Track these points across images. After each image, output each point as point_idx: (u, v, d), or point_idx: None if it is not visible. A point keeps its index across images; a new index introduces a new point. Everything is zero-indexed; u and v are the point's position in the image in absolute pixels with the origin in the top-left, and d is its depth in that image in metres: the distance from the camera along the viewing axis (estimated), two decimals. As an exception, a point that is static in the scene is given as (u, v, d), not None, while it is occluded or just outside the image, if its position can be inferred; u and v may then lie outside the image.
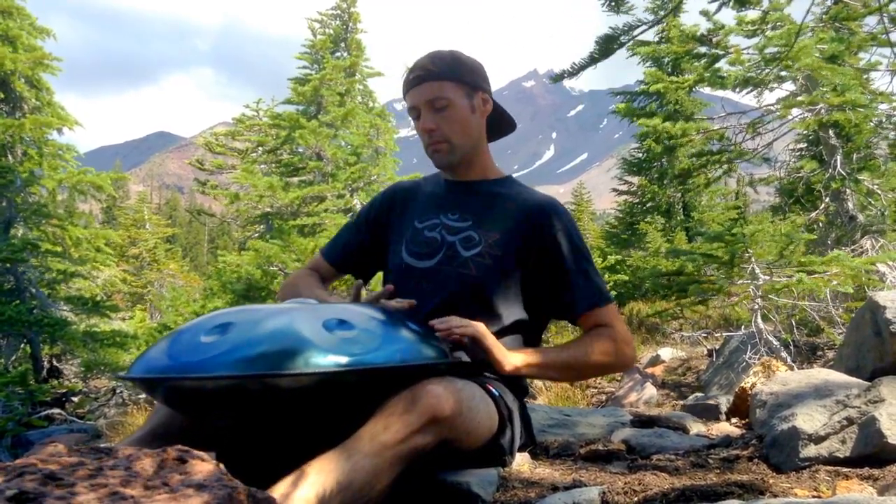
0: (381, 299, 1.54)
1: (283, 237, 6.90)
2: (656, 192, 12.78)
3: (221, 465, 0.83)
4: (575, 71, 2.23)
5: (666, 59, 11.59)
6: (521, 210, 1.66)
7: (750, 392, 2.43)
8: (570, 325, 1.75)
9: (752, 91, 6.57)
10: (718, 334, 6.57)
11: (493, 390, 1.48)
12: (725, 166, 7.81)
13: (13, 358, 7.89)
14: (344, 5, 14.36)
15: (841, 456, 1.52)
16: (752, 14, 6.48)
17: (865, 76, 6.74)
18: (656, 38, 12.35)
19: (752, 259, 5.21)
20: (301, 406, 1.16)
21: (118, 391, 7.69)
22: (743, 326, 5.68)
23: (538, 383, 5.86)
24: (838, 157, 6.67)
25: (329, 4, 15.24)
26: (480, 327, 1.47)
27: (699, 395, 4.51)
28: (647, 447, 1.87)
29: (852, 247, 6.46)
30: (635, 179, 13.89)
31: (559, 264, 1.62)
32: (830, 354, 5.04)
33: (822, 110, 6.21)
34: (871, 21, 6.24)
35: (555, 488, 1.39)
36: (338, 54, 14.29)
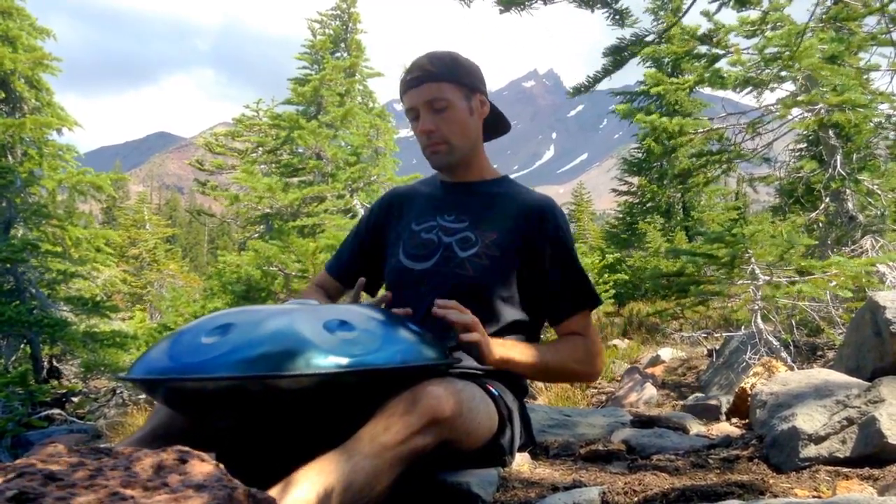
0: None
1: (283, 238, 6.89)
2: (656, 192, 12.79)
3: (221, 466, 0.83)
4: (590, 84, 2.27)
5: (666, 60, 11.59)
6: (518, 210, 1.66)
7: (750, 392, 2.43)
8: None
9: (752, 91, 6.57)
10: (718, 334, 6.57)
11: (493, 390, 1.48)
12: (725, 166, 7.81)
13: (13, 358, 7.89)
14: (344, 6, 14.36)
15: (841, 456, 1.52)
16: (753, 14, 6.48)
17: (865, 76, 6.74)
18: (658, 39, 12.34)
19: (753, 259, 5.21)
20: (302, 407, 1.16)
21: (118, 391, 7.69)
22: (743, 327, 5.68)
23: (538, 383, 5.86)
24: (838, 157, 6.68)
25: (329, 5, 15.27)
26: (479, 326, 1.47)
27: (699, 395, 4.51)
28: (647, 447, 1.87)
29: (852, 247, 6.46)
30: (635, 179, 13.92)
31: (550, 266, 1.62)
32: (830, 354, 5.04)
33: (822, 110, 6.21)
34: (872, 21, 6.25)
35: (555, 488, 1.39)
36: (338, 55, 14.29)
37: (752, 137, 6.95)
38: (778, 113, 6.66)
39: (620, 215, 14.18)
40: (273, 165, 12.62)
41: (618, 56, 2.14)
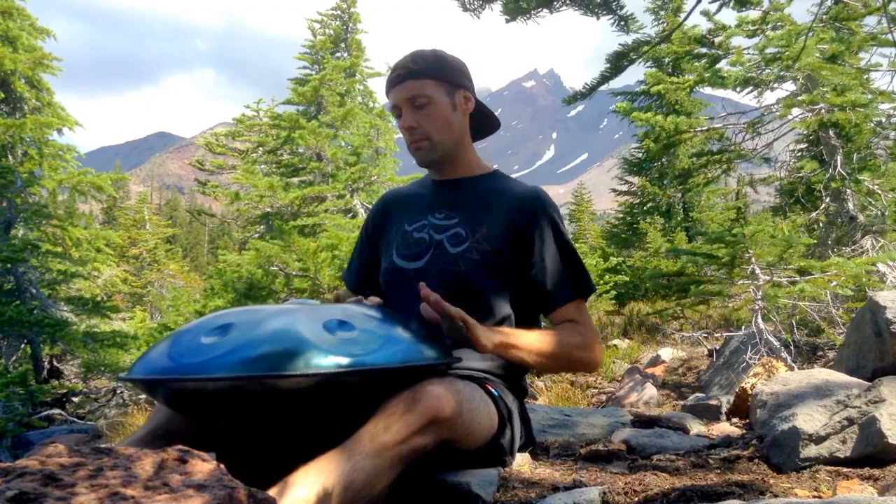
0: None
1: (284, 237, 6.89)
2: (656, 192, 12.78)
3: (222, 466, 0.83)
4: (587, 91, 2.26)
5: (666, 60, 11.59)
6: (507, 203, 1.66)
7: (750, 392, 2.43)
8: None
9: (752, 91, 6.56)
10: (719, 334, 6.56)
11: (493, 391, 1.48)
12: (725, 166, 7.80)
13: (13, 358, 7.88)
14: (344, 6, 14.37)
15: (841, 456, 1.52)
16: (753, 14, 6.48)
17: (866, 76, 6.74)
18: (657, 41, 12.34)
19: (753, 259, 5.21)
20: (302, 407, 1.16)
21: (118, 392, 7.69)
22: (743, 327, 5.68)
23: (539, 383, 5.86)
24: (838, 157, 6.67)
25: (329, 5, 15.27)
26: (463, 312, 1.43)
27: (699, 395, 4.50)
28: (648, 447, 1.87)
29: (852, 247, 6.46)
30: (635, 179, 13.91)
31: (542, 255, 1.62)
32: (831, 354, 5.04)
33: (823, 110, 6.20)
34: (872, 21, 6.25)
35: (555, 488, 1.39)
36: (338, 55, 14.30)
37: (752, 137, 6.94)
38: (778, 113, 6.65)
39: (621, 215, 14.17)
40: (273, 165, 12.63)
41: (619, 62, 2.14)
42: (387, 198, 1.89)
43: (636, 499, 1.29)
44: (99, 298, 8.82)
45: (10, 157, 8.69)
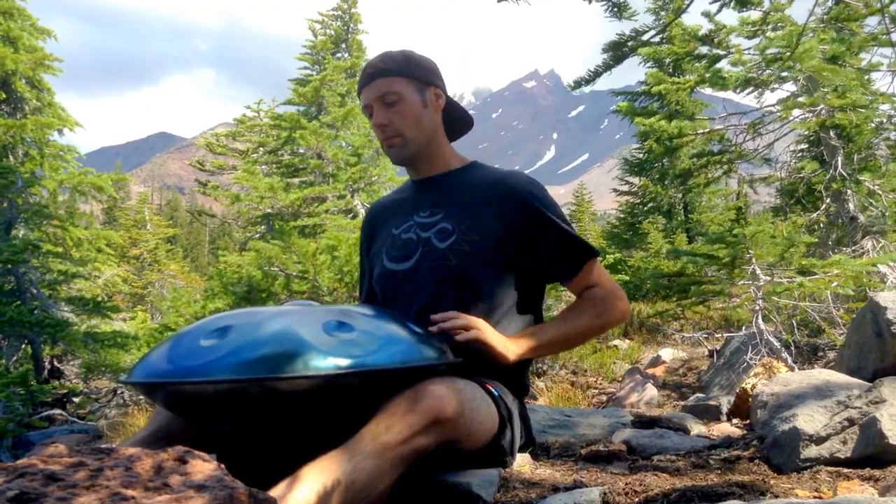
0: None
1: (284, 238, 6.89)
2: (657, 192, 12.78)
3: (222, 466, 0.84)
4: (591, 78, 2.27)
5: (667, 60, 11.58)
6: (489, 189, 1.67)
7: (751, 393, 2.43)
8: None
9: (752, 92, 6.56)
10: (719, 335, 6.56)
11: (493, 391, 1.48)
12: (726, 167, 7.80)
13: (14, 359, 7.89)
14: (345, 6, 14.38)
15: (842, 457, 1.52)
16: (754, 15, 6.48)
17: (866, 77, 6.74)
18: (658, 39, 12.34)
19: (753, 260, 5.20)
20: (301, 408, 1.16)
21: (119, 392, 7.69)
22: (744, 327, 5.67)
23: (539, 383, 5.86)
24: (839, 158, 6.67)
25: (330, 5, 15.27)
26: (480, 324, 1.48)
27: (700, 395, 4.50)
28: (648, 448, 1.87)
29: (853, 247, 6.45)
30: (636, 180, 13.90)
31: (539, 231, 1.63)
32: (831, 355, 5.04)
33: (823, 111, 6.20)
34: (873, 21, 6.24)
35: (556, 489, 1.39)
36: (339, 55, 14.31)
37: (752, 138, 6.94)
38: (779, 113, 6.65)
39: (621, 215, 14.17)
40: (274, 166, 12.63)
41: (618, 51, 2.14)
42: (372, 211, 1.91)
43: (637, 499, 1.29)
44: (99, 299, 8.83)
45: (10, 158, 8.70)
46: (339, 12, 14.41)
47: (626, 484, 1.38)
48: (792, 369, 4.02)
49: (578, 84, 2.36)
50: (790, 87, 6.82)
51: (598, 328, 1.67)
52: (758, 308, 5.12)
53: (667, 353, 6.67)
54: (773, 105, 6.70)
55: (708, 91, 7.26)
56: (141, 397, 6.93)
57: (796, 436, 1.58)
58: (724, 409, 3.25)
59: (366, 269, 1.88)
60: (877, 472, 1.42)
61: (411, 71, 1.67)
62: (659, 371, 6.15)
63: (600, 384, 6.08)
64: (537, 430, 2.11)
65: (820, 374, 1.97)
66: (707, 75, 6.64)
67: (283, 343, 1.13)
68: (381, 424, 1.14)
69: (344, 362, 1.13)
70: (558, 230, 1.63)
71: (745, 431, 2.15)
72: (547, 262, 1.64)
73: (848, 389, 1.73)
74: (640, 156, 13.43)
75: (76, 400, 7.86)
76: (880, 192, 6.71)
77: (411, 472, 1.18)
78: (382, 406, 1.18)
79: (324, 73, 12.12)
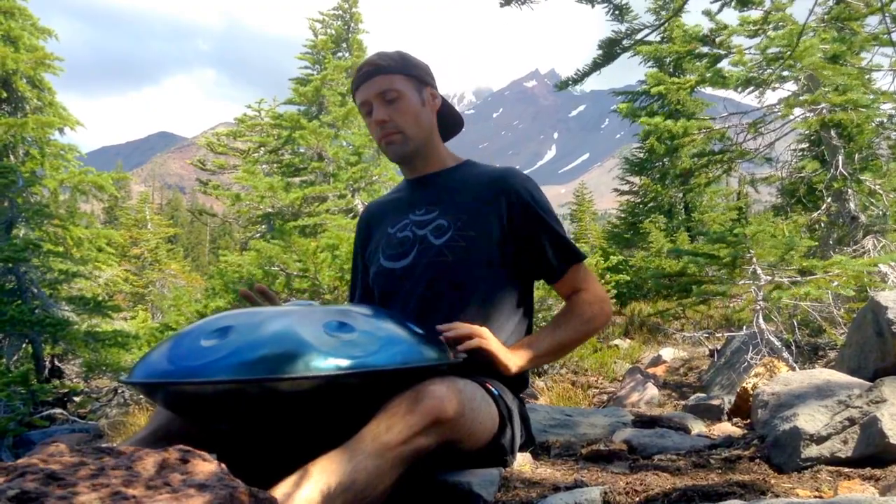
0: None
1: (285, 238, 6.89)
2: (658, 191, 12.77)
3: (223, 465, 0.83)
4: (579, 78, 2.24)
5: (668, 60, 11.58)
6: (483, 186, 1.68)
7: (751, 392, 2.43)
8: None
9: (753, 91, 6.56)
10: (720, 334, 6.55)
11: (493, 390, 1.48)
12: (727, 166, 7.80)
13: (15, 358, 7.89)
14: (346, 5, 14.37)
15: (843, 456, 1.52)
16: (755, 14, 6.47)
17: (867, 76, 6.73)
18: (658, 38, 12.34)
19: (754, 260, 5.20)
20: (302, 409, 1.16)
21: (120, 391, 7.70)
22: (745, 327, 5.67)
23: (540, 383, 5.86)
24: (840, 158, 6.66)
25: (331, 5, 15.27)
26: (483, 333, 1.49)
27: (701, 395, 4.50)
28: (649, 447, 1.87)
29: (854, 247, 6.45)
30: (637, 179, 13.89)
31: (530, 230, 1.64)
32: (832, 355, 5.03)
33: (824, 110, 6.20)
34: (873, 21, 6.24)
35: (556, 488, 1.39)
36: (339, 54, 14.30)
37: (753, 137, 6.94)
38: (780, 113, 6.65)
39: (622, 215, 14.16)
40: (275, 165, 12.64)
41: (610, 49, 2.12)
42: (367, 211, 1.92)
43: (637, 499, 1.29)
44: (100, 298, 8.83)
45: (11, 157, 8.70)
46: (340, 12, 14.41)
47: (627, 483, 1.38)
48: (793, 369, 4.02)
49: (566, 84, 2.33)
50: (791, 87, 6.82)
51: (585, 334, 1.69)
52: (758, 308, 5.12)
53: (667, 353, 6.67)
54: (773, 104, 6.70)
55: (709, 90, 7.26)
56: (141, 397, 6.93)
57: (797, 435, 1.57)
58: (725, 408, 3.25)
59: (359, 268, 1.88)
60: (878, 472, 1.41)
61: (409, 70, 1.68)
62: (660, 370, 6.15)
63: (601, 384, 6.08)
64: (538, 429, 2.11)
65: (821, 374, 1.97)
66: (708, 75, 6.64)
67: (283, 344, 1.13)
68: (381, 425, 1.14)
69: (344, 363, 1.13)
70: (550, 231, 1.65)
71: (745, 431, 2.14)
72: (535, 260, 1.66)
73: (849, 389, 1.73)
74: (641, 155, 13.43)
75: (77, 399, 7.86)
76: (881, 192, 6.71)
77: (412, 472, 1.18)
78: (383, 406, 1.18)
79: (324, 72, 12.11)
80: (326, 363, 1.11)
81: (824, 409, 1.63)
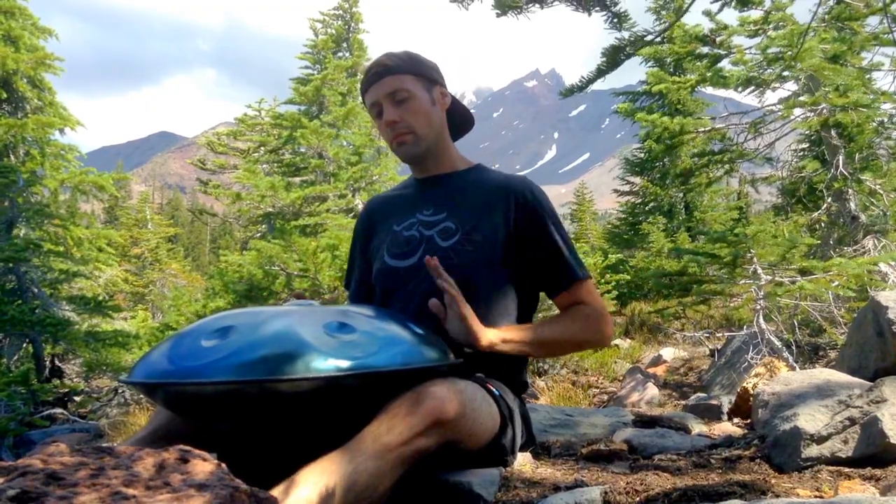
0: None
1: (285, 237, 6.90)
2: (658, 192, 12.77)
3: (223, 465, 0.83)
4: (584, 85, 2.23)
5: (668, 60, 11.58)
6: (493, 193, 1.67)
7: (752, 392, 2.43)
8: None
9: (754, 91, 6.56)
10: (720, 334, 6.56)
11: (494, 390, 1.48)
12: (727, 166, 7.80)
13: (15, 357, 7.90)
14: (346, 5, 14.37)
15: (843, 456, 1.52)
16: (755, 14, 6.47)
17: (868, 76, 6.73)
18: (658, 39, 12.32)
19: (755, 259, 5.20)
20: (302, 410, 1.15)
21: (120, 391, 7.70)
22: (745, 326, 5.67)
23: (540, 383, 5.86)
24: (840, 157, 6.66)
25: (331, 4, 15.26)
26: (464, 301, 1.46)
27: (701, 395, 4.50)
28: (649, 447, 1.87)
29: (854, 247, 6.45)
30: (637, 179, 13.88)
31: (537, 241, 1.63)
32: (833, 354, 5.04)
33: (825, 110, 6.20)
34: (874, 21, 6.24)
35: (557, 488, 1.39)
36: (340, 54, 14.30)
37: (754, 137, 6.94)
38: (780, 113, 6.65)
39: (622, 215, 14.16)
40: (275, 165, 12.64)
41: (614, 57, 2.11)
42: (370, 206, 1.89)
43: (637, 498, 1.29)
44: (101, 298, 8.84)
45: (12, 157, 8.71)
46: (341, 11, 14.41)
47: (627, 483, 1.38)
48: (793, 368, 4.02)
49: (571, 91, 2.33)
50: (791, 87, 6.82)
51: (579, 343, 1.66)
52: (759, 307, 5.12)
53: (668, 353, 6.68)
54: (774, 104, 6.70)
55: (709, 90, 7.26)
56: (141, 396, 6.94)
57: (797, 435, 1.57)
58: (725, 408, 3.25)
59: (357, 262, 1.86)
60: (878, 472, 1.41)
61: (419, 69, 1.67)
62: (660, 370, 6.15)
63: (601, 383, 6.08)
64: (538, 429, 2.11)
65: (821, 374, 1.97)
66: (708, 74, 6.64)
67: (283, 344, 1.13)
68: (382, 425, 1.14)
69: (345, 364, 1.12)
70: (555, 246, 1.63)
71: (746, 431, 2.14)
72: (538, 272, 1.64)
73: (849, 389, 1.72)
74: (641, 155, 13.43)
75: (77, 399, 7.87)
76: (881, 192, 6.71)
77: (412, 472, 1.18)
78: (384, 407, 1.18)
79: (325, 72, 12.11)
80: (326, 364, 1.11)
81: (825, 408, 1.63)
